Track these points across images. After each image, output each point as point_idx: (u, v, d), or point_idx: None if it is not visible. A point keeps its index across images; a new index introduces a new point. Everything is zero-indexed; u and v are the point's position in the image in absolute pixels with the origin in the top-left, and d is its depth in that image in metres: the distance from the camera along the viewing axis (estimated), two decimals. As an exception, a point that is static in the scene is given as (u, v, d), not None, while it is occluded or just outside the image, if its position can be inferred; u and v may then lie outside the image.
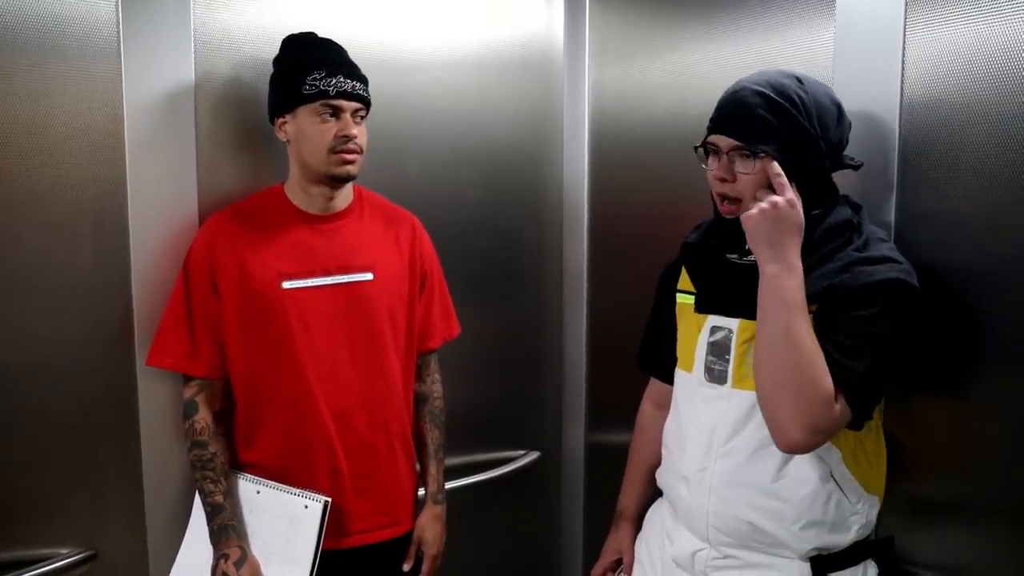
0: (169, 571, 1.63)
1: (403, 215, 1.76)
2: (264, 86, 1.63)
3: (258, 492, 1.58)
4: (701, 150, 1.35)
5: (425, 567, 1.74)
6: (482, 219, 2.13)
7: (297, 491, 1.55)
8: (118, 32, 1.55)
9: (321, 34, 1.61)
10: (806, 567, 1.33)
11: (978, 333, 1.32)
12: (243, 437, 1.62)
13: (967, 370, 1.34)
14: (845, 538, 1.33)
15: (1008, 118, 1.27)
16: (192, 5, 1.62)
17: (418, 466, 1.79)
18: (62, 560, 1.56)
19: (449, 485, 1.95)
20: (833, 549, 1.33)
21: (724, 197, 1.33)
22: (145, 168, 1.60)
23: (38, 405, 1.54)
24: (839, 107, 1.32)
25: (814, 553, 1.33)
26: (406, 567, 1.72)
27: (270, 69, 1.62)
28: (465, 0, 2.04)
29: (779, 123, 1.26)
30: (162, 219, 1.63)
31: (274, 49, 1.62)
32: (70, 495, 1.58)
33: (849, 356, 1.22)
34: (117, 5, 1.55)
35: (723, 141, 1.31)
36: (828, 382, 1.21)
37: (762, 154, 1.27)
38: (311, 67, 1.53)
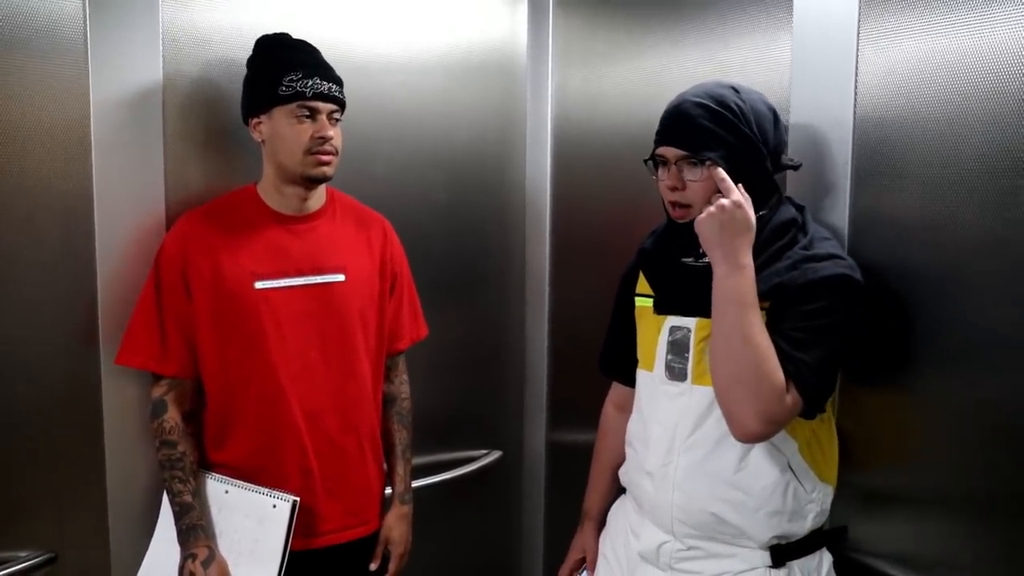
0: (133, 572, 1.61)
1: (374, 217, 1.77)
2: (233, 85, 1.63)
3: (227, 492, 1.57)
4: (651, 162, 1.42)
5: (392, 566, 1.75)
6: (446, 221, 2.15)
7: (266, 491, 1.54)
8: (85, 29, 1.54)
9: (291, 34, 1.61)
10: (766, 555, 1.38)
11: (925, 331, 1.38)
12: (213, 437, 1.61)
13: (915, 366, 1.40)
14: (803, 526, 1.39)
15: (955, 128, 1.33)
16: (160, 2, 1.61)
17: (385, 466, 1.80)
18: (21, 563, 1.53)
19: (412, 484, 1.97)
20: (792, 538, 1.39)
21: (676, 204, 1.39)
22: (112, 167, 1.59)
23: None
24: (775, 112, 1.39)
25: (774, 542, 1.38)
26: (373, 566, 1.73)
27: (240, 68, 1.61)
28: (431, 4, 2.06)
29: (721, 131, 1.33)
30: (129, 218, 1.62)
31: (243, 48, 1.61)
32: (30, 496, 1.56)
33: (798, 349, 1.28)
34: (84, 1, 1.53)
35: (670, 152, 1.37)
36: (780, 376, 1.26)
37: (708, 161, 1.33)
38: (287, 68, 1.53)
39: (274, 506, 1.53)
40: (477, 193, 2.21)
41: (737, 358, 1.27)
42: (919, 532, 1.41)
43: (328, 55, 1.62)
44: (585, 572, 1.69)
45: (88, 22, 1.54)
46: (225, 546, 1.55)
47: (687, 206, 1.38)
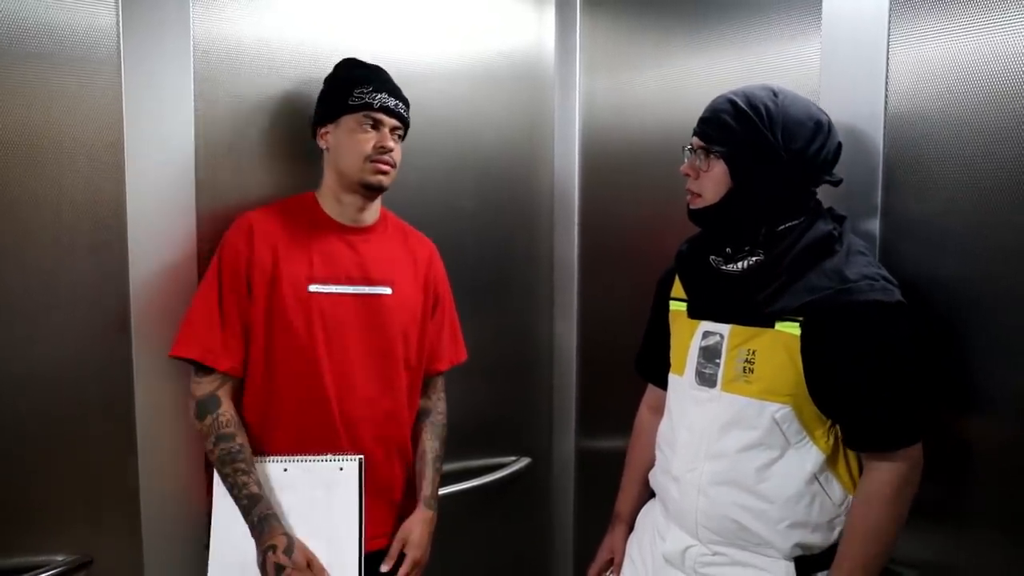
0: (165, 575, 1.64)
1: (422, 240, 1.82)
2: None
3: (285, 470, 1.56)
4: (687, 150, 1.45)
5: (404, 568, 1.66)
6: (475, 228, 2.15)
7: (328, 456, 1.56)
8: (118, 42, 1.57)
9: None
10: (791, 566, 1.36)
11: (958, 341, 1.36)
12: (254, 433, 1.60)
13: (945, 377, 1.38)
14: (829, 538, 1.37)
15: (987, 130, 1.31)
16: (192, 16, 1.64)
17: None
18: (57, 568, 1.55)
19: (441, 491, 1.96)
20: (817, 549, 1.37)
21: (689, 191, 1.43)
22: (144, 179, 1.61)
23: (34, 412, 1.54)
24: (819, 124, 1.35)
25: (798, 552, 1.36)
26: (384, 568, 1.66)
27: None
28: (459, 13, 2.07)
29: (739, 128, 1.34)
30: (160, 229, 1.64)
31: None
32: (66, 502, 1.58)
33: (891, 417, 1.28)
34: (118, 16, 1.56)
35: (695, 141, 1.42)
36: (896, 529, 1.30)
37: (715, 152, 1.36)
38: (359, 82, 1.62)
39: (341, 468, 1.55)
40: (506, 199, 2.22)
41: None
42: (951, 542, 1.40)
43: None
44: (612, 574, 1.68)
45: (121, 35, 1.57)
46: (296, 523, 1.53)
47: (699, 194, 1.41)
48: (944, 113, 1.38)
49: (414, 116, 1.93)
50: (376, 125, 1.62)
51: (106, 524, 1.63)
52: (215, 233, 1.66)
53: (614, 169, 2.19)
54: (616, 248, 2.20)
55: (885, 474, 1.29)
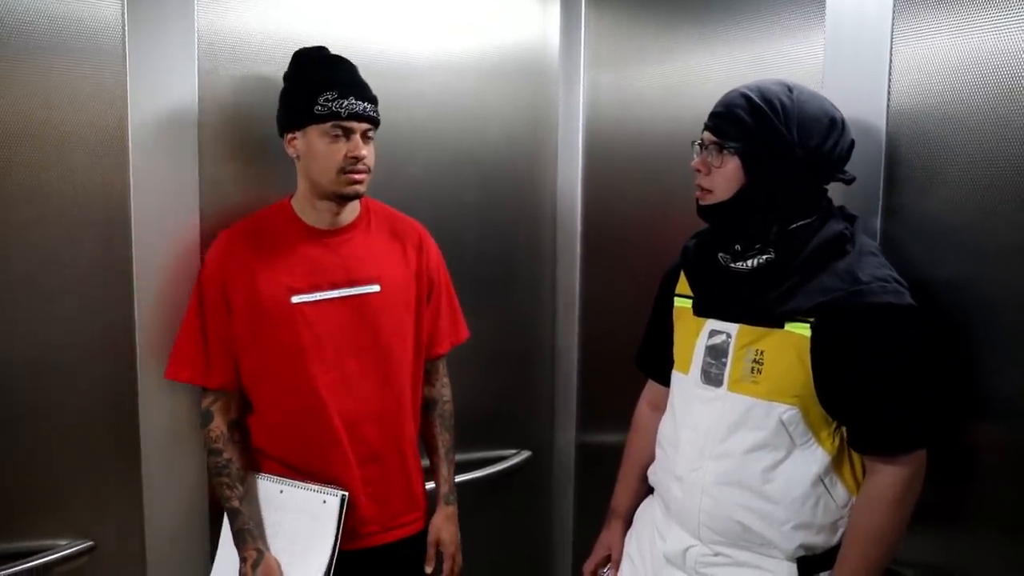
0: (167, 560, 1.68)
1: (410, 225, 1.78)
2: (269, 92, 1.65)
3: (281, 492, 1.62)
4: (697, 145, 1.42)
5: (446, 566, 1.78)
6: (478, 221, 2.16)
7: (316, 487, 1.59)
8: (123, 35, 1.57)
9: (323, 40, 1.62)
10: (793, 567, 1.36)
11: (960, 340, 1.36)
12: (264, 441, 1.65)
13: (946, 376, 1.37)
14: (832, 539, 1.36)
15: (990, 127, 1.31)
16: (196, 8, 1.64)
17: (426, 462, 1.82)
18: (60, 551, 1.58)
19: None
20: (820, 550, 1.36)
21: (699, 186, 1.40)
22: (148, 176, 1.62)
23: (40, 401, 1.56)
24: (833, 120, 1.33)
25: (801, 553, 1.35)
26: (428, 569, 1.76)
27: (274, 76, 1.64)
28: (463, 7, 2.07)
29: (753, 123, 1.32)
30: (164, 225, 1.65)
31: (278, 54, 1.64)
32: (70, 488, 1.61)
33: (900, 420, 1.27)
34: (122, 8, 1.57)
35: (706, 136, 1.39)
36: (900, 528, 1.30)
37: (729, 148, 1.33)
38: (324, 87, 1.54)
39: (324, 502, 1.58)
40: (509, 194, 2.22)
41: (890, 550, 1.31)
42: (952, 543, 1.40)
43: (363, 58, 1.63)
44: (609, 570, 1.68)
45: (126, 29, 1.57)
46: (281, 544, 1.59)
47: (709, 190, 1.38)
48: (948, 110, 1.37)
49: (419, 109, 1.92)
50: (346, 133, 1.55)
51: (109, 510, 1.65)
52: (219, 226, 1.67)
53: (617, 164, 2.19)
54: (618, 242, 2.20)
55: (888, 478, 1.29)
